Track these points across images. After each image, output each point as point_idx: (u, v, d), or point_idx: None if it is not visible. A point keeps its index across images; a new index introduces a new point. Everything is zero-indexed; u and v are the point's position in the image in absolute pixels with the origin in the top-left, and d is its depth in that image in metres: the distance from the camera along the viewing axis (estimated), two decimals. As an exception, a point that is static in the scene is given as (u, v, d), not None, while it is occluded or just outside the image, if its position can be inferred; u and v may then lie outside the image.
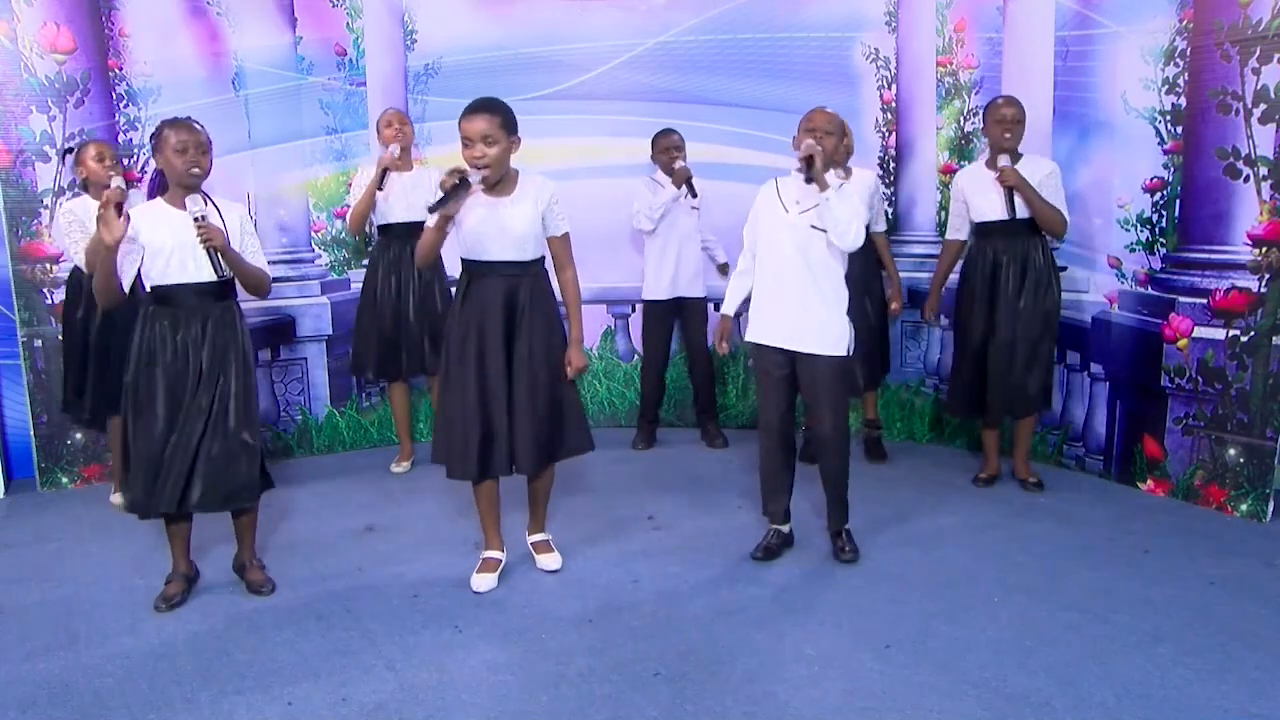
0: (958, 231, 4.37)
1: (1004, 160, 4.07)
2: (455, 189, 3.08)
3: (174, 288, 3.09)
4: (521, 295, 3.27)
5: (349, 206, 4.73)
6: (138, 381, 3.12)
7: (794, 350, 3.42)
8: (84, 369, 4.20)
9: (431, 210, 3.13)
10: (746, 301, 5.09)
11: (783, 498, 3.62)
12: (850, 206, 3.28)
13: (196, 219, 3.05)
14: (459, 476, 3.34)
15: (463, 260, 3.32)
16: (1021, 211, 4.07)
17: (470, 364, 3.25)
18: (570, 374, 3.34)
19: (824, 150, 3.29)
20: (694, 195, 4.88)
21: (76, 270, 4.16)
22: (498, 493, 3.48)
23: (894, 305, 4.76)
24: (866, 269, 4.55)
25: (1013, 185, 4.04)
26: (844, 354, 3.43)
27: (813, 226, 3.32)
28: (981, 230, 4.22)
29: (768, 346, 3.46)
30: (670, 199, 4.91)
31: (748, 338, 3.53)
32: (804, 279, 3.36)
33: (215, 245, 3.07)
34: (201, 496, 3.14)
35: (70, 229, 4.06)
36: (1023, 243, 4.11)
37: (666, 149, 4.95)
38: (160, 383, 3.10)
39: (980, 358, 4.22)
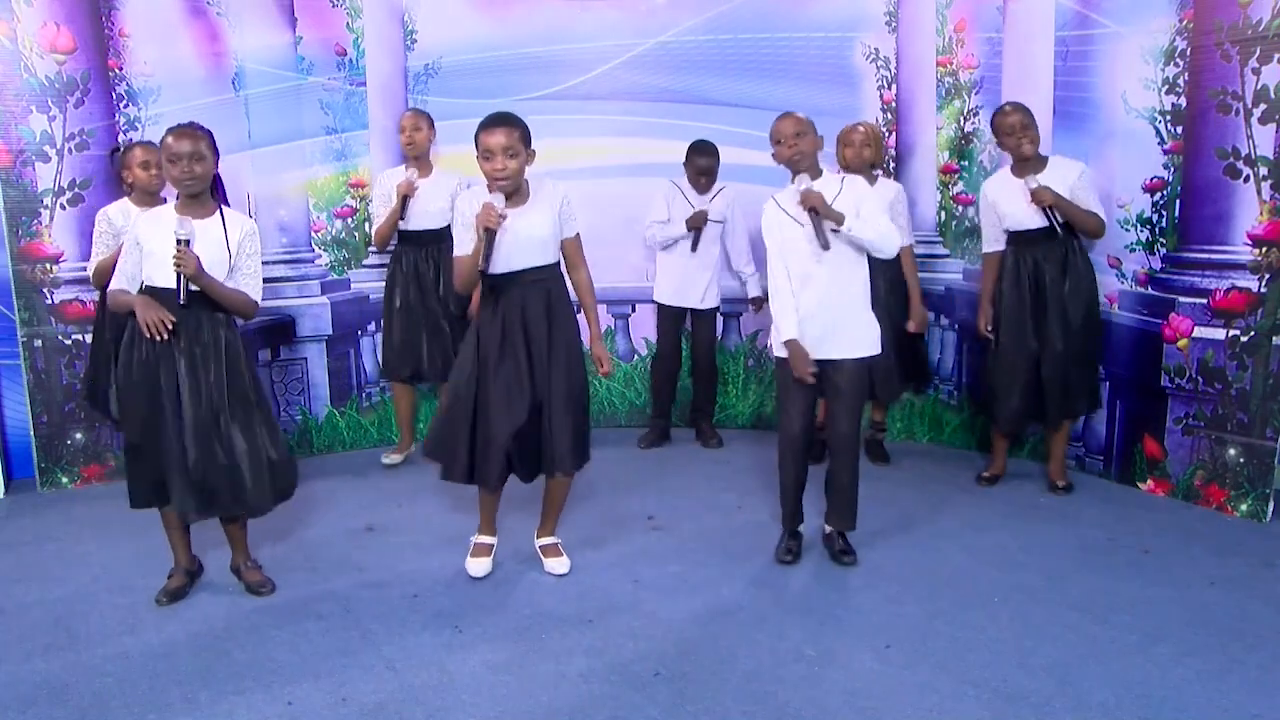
0: (995, 243, 4.20)
1: (1033, 181, 3.96)
2: (489, 235, 3.16)
3: (160, 290, 3.11)
4: (550, 299, 3.31)
5: (352, 208, 4.74)
6: (124, 379, 3.16)
7: (826, 358, 3.39)
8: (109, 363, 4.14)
9: (483, 269, 3.20)
10: (743, 301, 5.13)
11: (800, 504, 3.63)
12: (870, 224, 3.29)
13: (178, 240, 3.04)
14: (465, 481, 3.39)
15: (484, 275, 3.29)
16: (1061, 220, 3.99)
17: (497, 375, 3.27)
18: (604, 372, 3.38)
19: (805, 152, 3.33)
20: (694, 241, 4.92)
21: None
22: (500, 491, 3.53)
23: (910, 325, 4.54)
24: (891, 286, 4.45)
25: (1049, 205, 3.95)
26: (875, 353, 3.45)
27: (832, 230, 3.30)
28: (1017, 238, 4.11)
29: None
30: (681, 234, 4.92)
31: (776, 352, 3.48)
32: (834, 284, 3.36)
33: (185, 273, 3.04)
34: (191, 503, 3.16)
35: (101, 237, 3.98)
36: (1061, 247, 4.04)
37: (696, 170, 4.88)
38: (142, 382, 3.11)
39: (1033, 367, 4.10)
